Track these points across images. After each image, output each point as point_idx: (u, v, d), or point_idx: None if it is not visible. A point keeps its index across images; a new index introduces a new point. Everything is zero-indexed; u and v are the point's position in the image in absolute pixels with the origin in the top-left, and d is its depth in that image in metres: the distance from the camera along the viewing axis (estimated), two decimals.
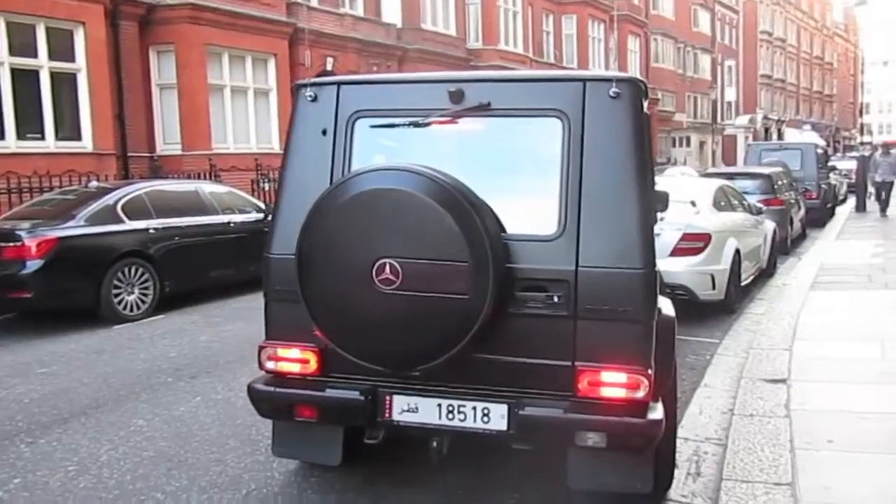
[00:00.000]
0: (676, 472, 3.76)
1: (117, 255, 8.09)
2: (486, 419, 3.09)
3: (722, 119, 48.93)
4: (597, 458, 3.13)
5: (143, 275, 8.30)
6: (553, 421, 3.01)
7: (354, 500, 3.62)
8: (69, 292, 7.82)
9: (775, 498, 3.34)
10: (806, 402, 4.66)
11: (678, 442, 4.20)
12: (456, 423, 3.12)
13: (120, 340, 7.19)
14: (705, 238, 7.60)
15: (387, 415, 3.19)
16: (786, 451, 3.87)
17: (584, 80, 3.11)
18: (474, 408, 3.11)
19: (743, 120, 51.68)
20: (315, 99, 3.35)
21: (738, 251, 8.04)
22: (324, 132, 3.31)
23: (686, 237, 7.52)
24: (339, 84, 3.38)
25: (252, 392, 3.38)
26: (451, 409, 3.12)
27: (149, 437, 4.51)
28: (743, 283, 8.49)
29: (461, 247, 2.79)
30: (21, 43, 12.66)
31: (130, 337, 7.33)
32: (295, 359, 3.31)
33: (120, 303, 8.04)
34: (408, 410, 3.17)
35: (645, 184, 3.05)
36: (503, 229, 3.04)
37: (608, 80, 3.08)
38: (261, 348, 3.38)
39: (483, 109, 3.15)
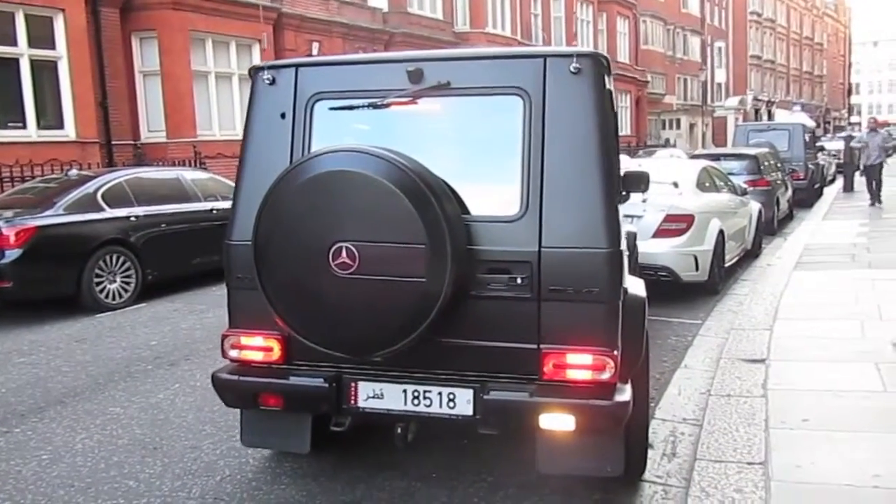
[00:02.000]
0: (652, 452, 3.77)
1: (98, 244, 8.02)
2: (451, 404, 3.06)
3: (712, 101, 48.89)
4: (565, 442, 3.08)
5: (124, 263, 8.25)
6: (519, 405, 2.97)
7: (328, 485, 3.61)
8: (49, 281, 7.76)
9: (747, 477, 3.34)
10: (783, 381, 4.67)
11: (655, 423, 4.22)
12: (422, 408, 3.09)
13: (101, 329, 7.14)
14: (688, 219, 7.59)
15: (352, 401, 3.16)
16: (760, 430, 3.88)
17: (544, 57, 3.05)
18: (440, 393, 3.07)
19: (733, 101, 51.63)
20: (273, 82, 3.29)
21: (721, 232, 8.04)
22: (282, 116, 3.26)
23: (669, 218, 7.51)
24: (297, 66, 3.31)
25: (216, 381, 3.33)
26: (416, 394, 3.09)
27: (125, 425, 4.49)
28: (727, 264, 8.50)
29: (417, 229, 2.75)
30: (0, 31, 12.49)
31: (112, 325, 7.29)
32: (258, 347, 3.27)
33: (101, 291, 7.99)
34: (373, 397, 3.14)
35: (609, 162, 3.01)
36: (465, 211, 3.00)
37: (569, 55, 3.01)
38: (224, 337, 3.34)
39: (442, 89, 3.10)
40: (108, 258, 8.09)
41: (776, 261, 9.54)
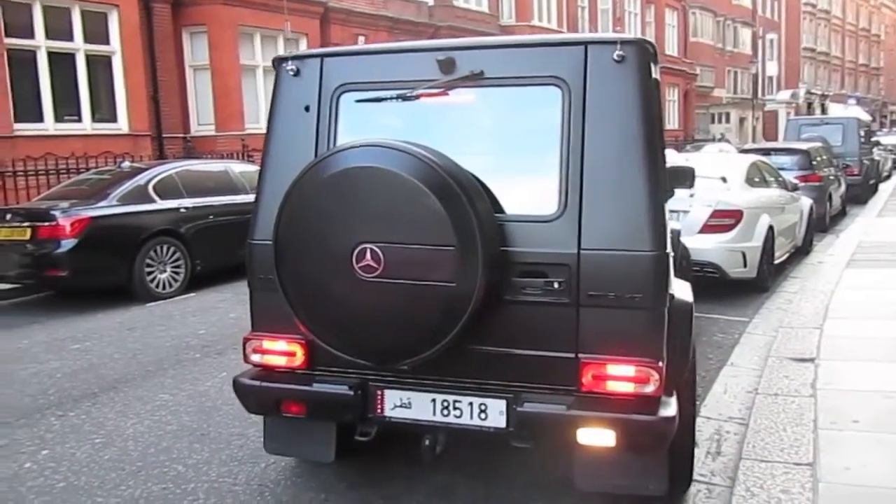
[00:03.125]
0: (697, 451, 3.71)
1: (149, 234, 8.23)
2: (483, 416, 2.89)
3: (763, 94, 47.80)
4: (605, 458, 2.88)
5: (174, 253, 8.44)
6: (555, 418, 2.78)
7: (369, 476, 3.65)
8: (103, 271, 7.99)
9: (794, 478, 3.28)
10: (833, 381, 4.56)
11: (700, 421, 4.16)
12: (451, 419, 2.93)
13: (151, 318, 7.33)
14: (736, 215, 7.46)
15: (378, 410, 3.02)
16: (808, 430, 3.79)
17: (585, 44, 2.83)
18: (471, 403, 2.90)
19: (784, 95, 50.35)
20: (297, 73, 3.14)
21: (771, 228, 7.88)
22: (307, 108, 3.11)
23: (716, 214, 7.39)
24: (322, 56, 3.16)
25: (237, 386, 3.21)
26: (445, 404, 2.93)
27: (174, 412, 4.61)
28: (777, 261, 8.33)
29: (446, 230, 2.57)
30: (57, 27, 12.84)
31: (162, 314, 7.47)
32: (281, 351, 3.14)
33: (152, 281, 8.20)
34: (400, 406, 2.99)
35: (654, 157, 2.78)
36: (499, 209, 2.83)
37: (612, 42, 2.79)
38: (245, 340, 3.22)
39: (475, 79, 2.90)
40: (158, 248, 8.30)
41: (827, 258, 9.30)
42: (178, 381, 5.21)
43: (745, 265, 7.48)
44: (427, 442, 2.98)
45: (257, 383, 3.16)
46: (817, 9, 57.91)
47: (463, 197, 2.61)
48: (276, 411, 3.17)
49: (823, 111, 50.12)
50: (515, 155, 3.03)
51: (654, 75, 2.90)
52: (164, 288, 8.30)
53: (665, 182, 3.00)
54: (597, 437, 2.74)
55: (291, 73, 3.16)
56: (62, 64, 12.95)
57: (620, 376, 2.76)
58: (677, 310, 3.02)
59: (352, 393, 2.99)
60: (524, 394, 2.84)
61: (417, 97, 2.98)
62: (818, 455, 3.50)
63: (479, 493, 3.45)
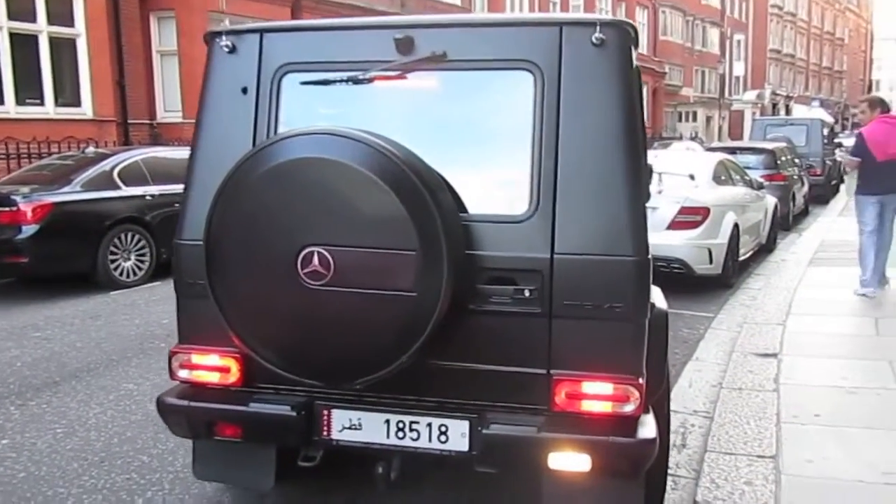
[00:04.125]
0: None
1: (114, 221, 8.07)
2: (443, 438, 2.59)
3: (729, 94, 48.50)
4: (577, 485, 2.62)
5: (139, 241, 8.31)
6: (524, 441, 2.51)
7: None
8: (65, 258, 7.82)
9: (757, 470, 3.34)
10: (795, 376, 4.66)
11: None
12: (407, 442, 2.62)
13: (115, 306, 7.20)
14: (703, 212, 7.56)
15: (325, 432, 2.68)
16: (772, 424, 3.87)
17: (560, 24, 2.54)
18: (429, 425, 2.60)
19: (751, 95, 51.21)
20: (233, 50, 2.77)
21: (736, 226, 8.00)
22: (244, 91, 2.74)
23: (684, 210, 7.48)
24: (262, 32, 2.78)
25: (162, 406, 2.83)
26: (401, 425, 2.62)
27: (138, 401, 4.53)
28: (741, 258, 8.46)
29: (408, 232, 2.27)
30: (20, 7, 12.52)
31: (126, 303, 7.35)
32: (213, 366, 2.77)
33: (116, 269, 8.06)
34: (350, 427, 2.66)
35: (636, 153, 2.52)
36: (462, 208, 2.53)
37: (590, 23, 2.51)
38: (172, 354, 2.84)
39: (437, 61, 2.57)
40: (123, 236, 8.15)
41: (791, 256, 9.49)
42: (143, 371, 5.13)
43: (710, 262, 7.59)
44: (381, 470, 2.67)
45: (185, 403, 2.78)
46: (784, 11, 58.84)
47: (426, 194, 2.30)
48: (208, 434, 2.80)
49: (788, 112, 51.09)
50: (481, 147, 2.70)
51: (635, 62, 2.66)
52: (128, 276, 8.16)
53: (647, 181, 2.77)
54: (570, 461, 2.48)
55: (226, 49, 2.79)
56: (24, 46, 12.63)
57: (597, 395, 2.50)
58: (655, 319, 2.76)
59: (294, 414, 2.64)
60: (490, 414, 2.55)
61: (371, 80, 2.64)
62: (781, 448, 3.57)
63: None
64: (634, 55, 2.65)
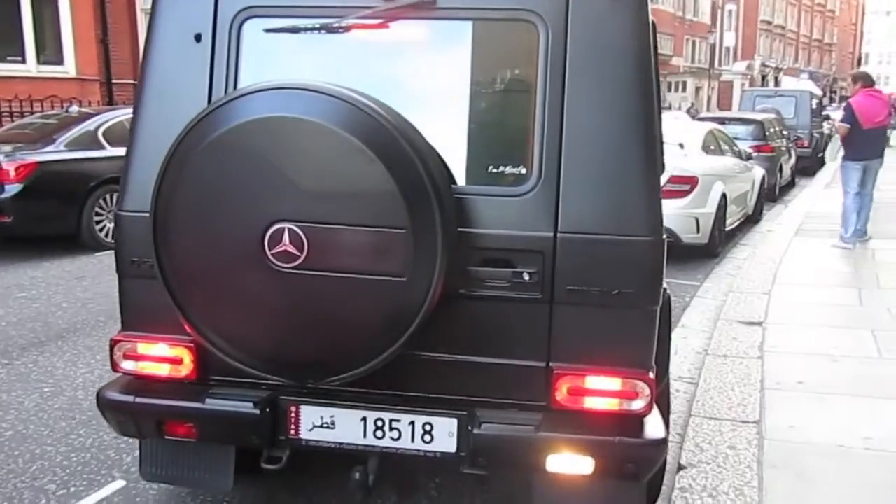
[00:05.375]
0: None
1: (98, 182, 7.95)
2: (427, 438, 2.31)
3: (720, 64, 48.41)
4: (576, 489, 2.37)
5: None
6: (520, 442, 2.25)
7: None
8: (49, 218, 7.73)
9: (741, 435, 3.39)
10: (780, 344, 4.72)
11: None
12: (387, 442, 2.33)
13: (101, 267, 7.14)
14: (692, 181, 7.57)
15: (292, 432, 2.37)
16: (756, 390, 3.92)
17: None
18: (412, 423, 2.31)
19: (740, 66, 51.11)
20: None
21: (724, 195, 8.03)
22: (197, 38, 2.35)
23: (673, 179, 7.46)
24: None
25: (102, 402, 2.48)
26: (379, 424, 2.32)
27: None
28: (728, 228, 8.51)
29: (396, 206, 1.97)
30: None
31: (111, 264, 7.11)
32: (162, 357, 2.42)
33: (101, 230, 7.97)
34: (321, 426, 2.36)
35: (651, 118, 2.21)
36: (453, 180, 2.21)
37: None
38: (114, 342, 2.48)
39: (425, 8, 2.22)
40: (108, 197, 8.05)
41: (777, 227, 9.55)
42: None
43: (697, 231, 7.62)
44: (357, 476, 2.41)
45: (130, 398, 2.43)
46: None
47: (418, 162, 2.00)
48: (157, 434, 2.46)
49: (777, 84, 51.09)
50: (475, 110, 2.33)
51: (651, 16, 2.34)
52: (113, 237, 8.08)
53: (662, 152, 2.48)
54: (570, 464, 2.24)
55: None
56: (6, 2, 12.38)
57: (603, 390, 2.24)
58: (663, 306, 2.45)
59: (257, 412, 2.33)
60: (480, 410, 2.28)
61: (348, 29, 2.27)
62: (764, 414, 3.62)
63: None
64: (650, 8, 2.34)
